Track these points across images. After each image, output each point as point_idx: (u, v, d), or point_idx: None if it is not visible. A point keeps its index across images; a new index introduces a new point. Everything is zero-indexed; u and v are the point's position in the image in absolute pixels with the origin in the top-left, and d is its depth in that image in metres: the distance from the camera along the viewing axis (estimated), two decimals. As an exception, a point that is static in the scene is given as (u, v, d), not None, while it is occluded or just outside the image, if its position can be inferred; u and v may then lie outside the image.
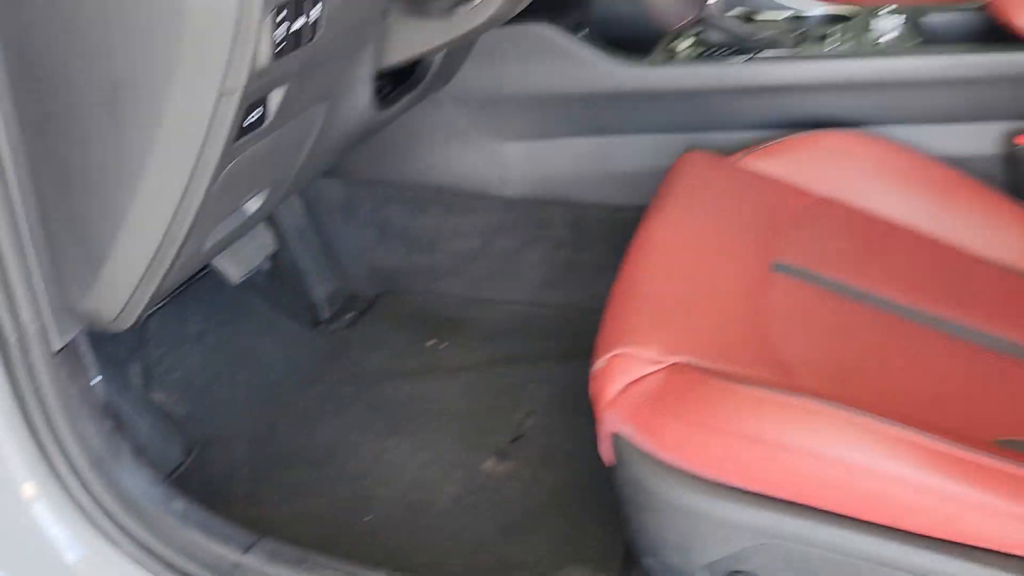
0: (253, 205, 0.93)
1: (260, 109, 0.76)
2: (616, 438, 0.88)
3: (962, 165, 1.20)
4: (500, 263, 1.52)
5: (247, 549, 0.94)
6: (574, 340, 1.41)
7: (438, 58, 1.16)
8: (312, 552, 0.95)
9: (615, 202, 1.41)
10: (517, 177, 1.45)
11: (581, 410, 1.28)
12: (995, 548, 0.76)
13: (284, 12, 0.68)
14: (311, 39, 0.74)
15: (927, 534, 0.77)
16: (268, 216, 1.32)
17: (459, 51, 1.27)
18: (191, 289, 1.42)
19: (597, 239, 1.45)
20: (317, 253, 1.55)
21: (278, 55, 0.70)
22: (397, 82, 1.15)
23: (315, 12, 0.72)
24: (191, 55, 0.66)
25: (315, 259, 1.54)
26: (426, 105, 1.40)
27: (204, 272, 1.36)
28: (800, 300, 0.98)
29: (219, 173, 0.75)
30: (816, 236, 1.09)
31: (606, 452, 0.91)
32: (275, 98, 0.78)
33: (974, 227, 1.14)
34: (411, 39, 0.97)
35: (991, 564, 0.75)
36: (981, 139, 1.21)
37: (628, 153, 1.37)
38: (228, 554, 0.93)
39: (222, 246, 0.95)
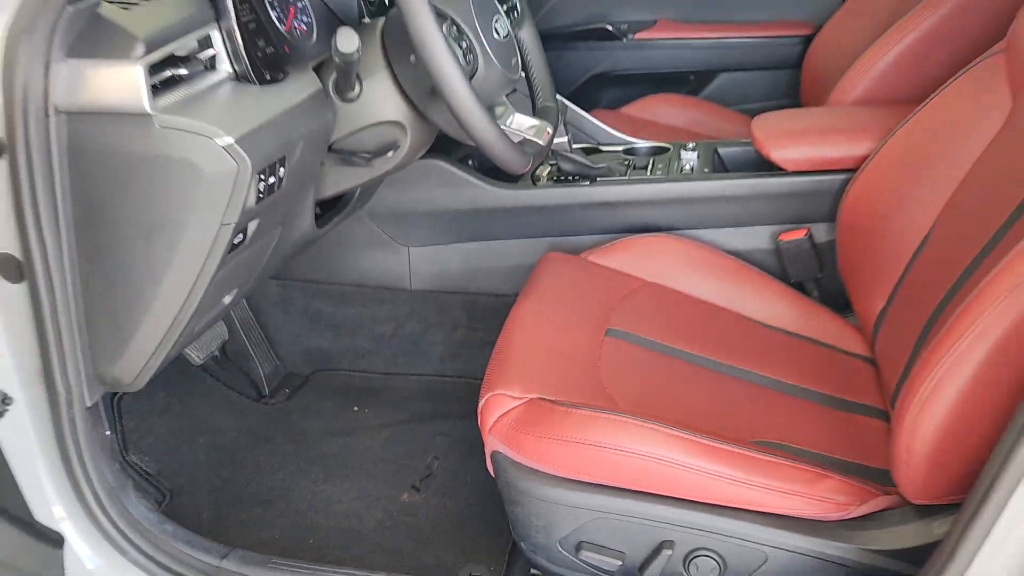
0: (228, 299, 1.28)
1: (242, 234, 1.13)
2: (495, 455, 1.24)
3: (744, 257, 1.65)
4: (409, 343, 1.88)
5: (224, 556, 1.26)
6: (469, 402, 1.78)
7: (358, 189, 1.55)
8: (273, 557, 1.27)
9: (498, 291, 1.80)
10: (421, 274, 1.83)
11: (476, 454, 1.64)
12: (744, 507, 1.15)
13: (263, 173, 1.06)
14: (279, 188, 1.12)
15: (702, 500, 1.15)
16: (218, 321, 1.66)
17: (372, 185, 1.66)
18: (156, 373, 1.73)
19: (486, 321, 1.84)
20: (259, 340, 1.89)
21: (258, 200, 1.08)
22: (327, 207, 1.53)
23: (282, 171, 1.11)
24: (204, 202, 1.03)
25: (258, 345, 1.88)
26: (349, 221, 1.79)
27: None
28: (624, 354, 1.38)
29: (215, 278, 1.11)
30: (640, 309, 1.50)
31: (490, 467, 1.28)
32: (252, 226, 1.15)
33: (753, 301, 1.57)
34: (340, 180, 1.36)
35: (744, 519, 1.13)
36: (757, 238, 1.67)
37: (506, 253, 1.78)
38: (210, 560, 1.24)
39: (205, 329, 1.29)
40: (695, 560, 1.16)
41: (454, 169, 1.71)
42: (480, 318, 1.85)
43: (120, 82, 0.97)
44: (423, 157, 1.69)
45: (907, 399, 1.05)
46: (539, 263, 1.58)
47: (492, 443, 1.24)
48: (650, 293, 1.56)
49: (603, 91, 2.57)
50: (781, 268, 1.66)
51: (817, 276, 1.63)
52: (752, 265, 1.62)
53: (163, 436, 1.65)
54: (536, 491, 1.19)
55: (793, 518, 1.14)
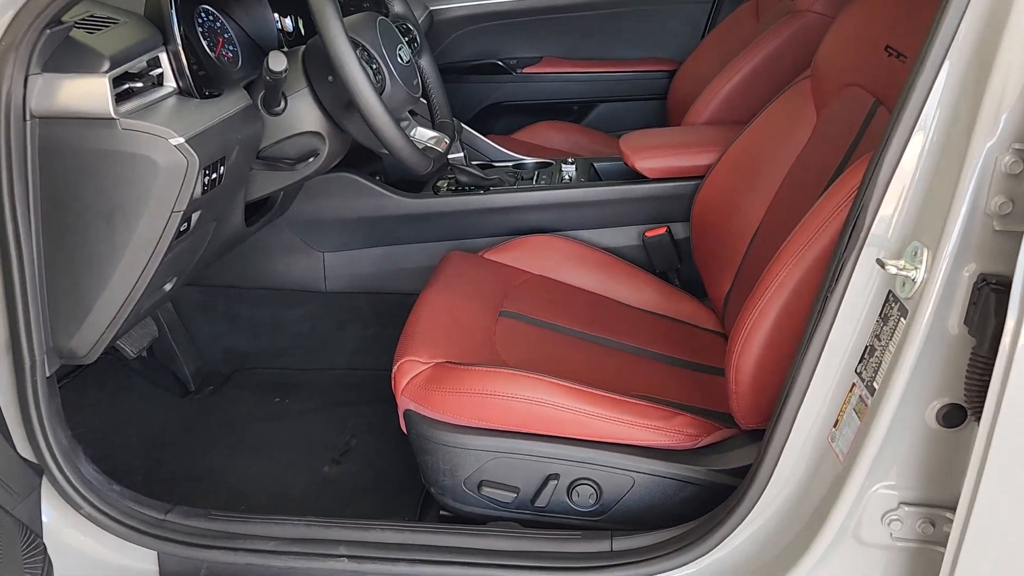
0: (169, 287, 1.47)
1: (187, 223, 1.33)
2: (407, 413, 1.46)
3: (616, 252, 1.93)
4: (324, 341, 2.08)
5: (167, 512, 1.42)
6: (382, 391, 1.99)
7: (280, 195, 1.76)
8: (212, 510, 1.44)
9: (404, 290, 2.02)
10: (334, 277, 2.04)
11: (388, 433, 1.85)
12: (615, 441, 1.39)
13: (208, 169, 1.27)
14: (219, 184, 1.32)
15: (581, 437, 1.39)
16: (154, 311, 1.83)
17: (293, 191, 1.87)
18: (86, 371, 1.88)
19: (394, 318, 2.02)
20: (184, 342, 2.05)
21: (203, 192, 1.28)
22: (255, 211, 1.73)
23: (222, 169, 1.32)
24: (159, 192, 1.23)
25: (183, 346, 2.04)
26: (268, 229, 1.98)
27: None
28: (516, 330, 1.63)
29: (163, 260, 1.30)
30: (529, 296, 1.76)
31: (403, 424, 1.49)
32: (195, 217, 1.35)
33: (624, 288, 1.85)
34: (267, 183, 1.56)
35: (615, 451, 1.38)
36: (626, 236, 1.95)
37: (411, 256, 2.01)
38: (155, 514, 1.40)
39: (147, 312, 1.47)
40: (577, 488, 1.40)
41: (363, 180, 1.93)
42: (389, 316, 2.06)
43: (89, 92, 1.17)
44: (335, 170, 1.92)
45: (733, 343, 1.33)
46: (442, 260, 1.82)
47: (404, 402, 1.46)
48: (537, 283, 1.82)
49: (496, 119, 2.85)
50: (648, 261, 1.94)
51: (677, 267, 1.92)
52: (623, 259, 1.91)
53: (95, 426, 1.79)
54: (443, 439, 1.41)
55: (654, 448, 1.40)
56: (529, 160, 2.14)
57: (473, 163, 2.05)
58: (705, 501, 1.37)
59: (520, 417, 1.39)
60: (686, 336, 1.75)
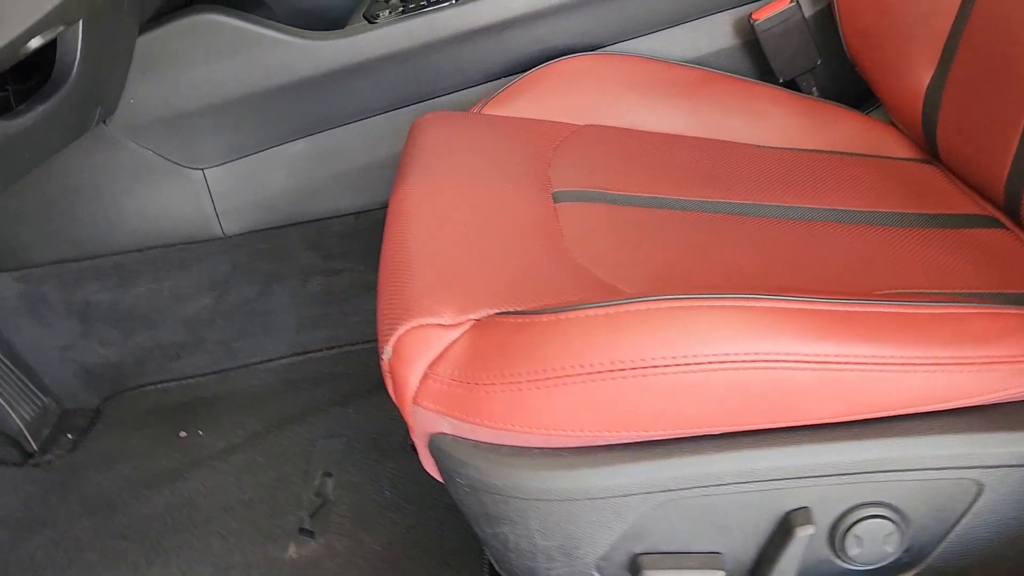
0: None
1: None
2: (435, 441, 0.66)
3: (705, 64, 1.12)
4: (242, 317, 1.25)
5: None
6: (356, 379, 1.18)
7: (79, 52, 0.89)
8: None
9: (356, 206, 1.20)
10: (233, 208, 1.19)
11: (390, 447, 1.05)
12: (920, 410, 0.62)
13: None
14: None
15: (845, 419, 0.61)
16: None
17: (116, 65, 1.00)
18: None
19: (349, 255, 1.23)
20: (4, 373, 1.20)
21: None
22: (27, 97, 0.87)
23: None
24: None
25: (4, 381, 1.19)
26: (96, 148, 1.13)
27: None
28: (593, 220, 0.82)
29: None
30: (586, 161, 0.94)
31: (431, 467, 0.69)
32: None
33: (743, 119, 1.04)
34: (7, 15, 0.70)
35: (927, 433, 0.61)
36: (718, 32, 1.12)
37: (354, 145, 1.17)
38: None
39: None
40: (854, 528, 0.62)
41: (239, 23, 1.07)
42: (339, 254, 1.23)
43: None
44: (190, 14, 1.07)
45: None
46: (412, 132, 0.99)
47: (425, 421, 0.65)
48: (590, 137, 1.01)
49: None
50: (757, 67, 1.13)
51: (815, 65, 1.11)
52: (723, 71, 1.09)
53: None
54: (534, 486, 0.62)
55: (1012, 404, 0.62)
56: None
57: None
58: None
59: (709, 401, 0.60)
60: (887, 175, 0.95)
